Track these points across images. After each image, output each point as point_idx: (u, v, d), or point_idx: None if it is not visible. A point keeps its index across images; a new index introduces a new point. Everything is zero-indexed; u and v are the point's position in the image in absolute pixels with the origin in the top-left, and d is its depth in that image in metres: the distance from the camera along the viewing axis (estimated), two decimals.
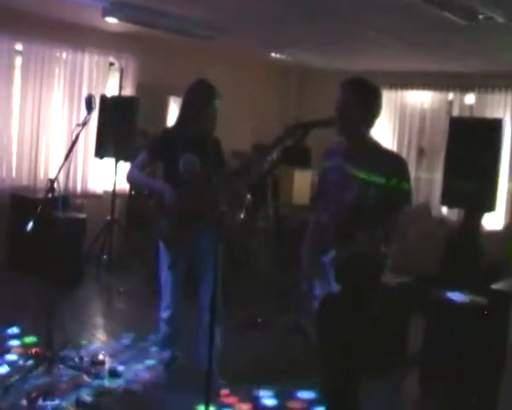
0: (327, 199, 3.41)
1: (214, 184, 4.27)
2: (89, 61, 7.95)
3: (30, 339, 5.08)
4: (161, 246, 4.46)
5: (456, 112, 8.48)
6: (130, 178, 4.61)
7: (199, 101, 4.33)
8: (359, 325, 3.31)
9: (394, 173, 3.18)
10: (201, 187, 4.26)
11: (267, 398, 4.49)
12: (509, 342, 4.23)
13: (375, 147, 3.33)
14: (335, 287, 3.19)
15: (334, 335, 3.31)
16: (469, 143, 5.23)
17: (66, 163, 4.49)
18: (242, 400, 4.42)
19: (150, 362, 4.88)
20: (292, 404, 4.48)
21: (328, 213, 3.35)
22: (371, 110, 3.30)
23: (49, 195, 4.41)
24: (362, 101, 3.25)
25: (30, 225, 4.22)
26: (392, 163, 3.25)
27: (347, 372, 3.34)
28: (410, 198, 3.27)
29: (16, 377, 4.26)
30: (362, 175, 3.17)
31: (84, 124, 4.57)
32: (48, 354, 4.44)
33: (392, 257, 3.37)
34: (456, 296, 4.82)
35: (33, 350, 4.70)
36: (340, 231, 3.19)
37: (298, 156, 8.08)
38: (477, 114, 8.19)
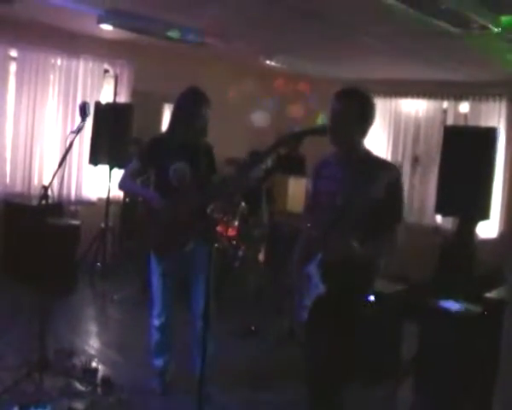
0: (319, 209, 3.41)
1: (205, 191, 4.27)
2: (83, 68, 7.93)
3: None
4: (152, 255, 4.45)
5: (450, 120, 8.49)
6: (121, 186, 4.62)
7: (189, 108, 4.32)
8: (347, 329, 3.30)
9: (387, 183, 3.17)
10: (192, 195, 4.25)
11: None
12: (502, 349, 4.23)
13: (368, 156, 3.34)
14: (321, 288, 3.19)
15: (323, 338, 3.31)
16: (464, 152, 5.24)
17: (61, 170, 4.47)
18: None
19: None
20: None
21: (320, 222, 3.35)
22: (366, 120, 3.31)
23: (43, 202, 4.39)
24: (357, 112, 3.26)
25: None
26: (385, 172, 3.24)
27: (334, 374, 3.34)
28: (401, 211, 3.27)
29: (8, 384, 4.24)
30: (352, 183, 3.17)
31: (79, 131, 4.56)
32: (40, 361, 4.41)
33: (379, 258, 3.36)
34: (450, 305, 4.82)
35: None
36: (325, 236, 3.20)
37: (292, 164, 8.10)
38: (471, 122, 8.20)
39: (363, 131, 3.32)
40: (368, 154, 3.35)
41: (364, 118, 3.29)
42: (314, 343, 3.41)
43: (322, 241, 3.23)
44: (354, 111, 3.25)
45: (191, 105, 4.33)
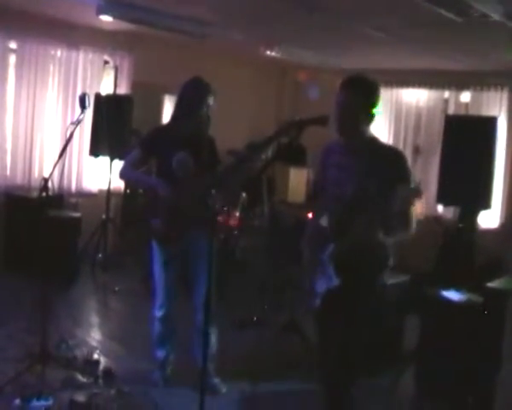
0: (326, 197, 3.41)
1: (208, 182, 4.25)
2: (83, 60, 7.90)
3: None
4: (154, 244, 4.44)
5: (451, 110, 8.46)
6: (122, 175, 4.57)
7: (193, 98, 4.30)
8: (360, 320, 3.31)
9: (394, 167, 3.17)
10: (194, 185, 4.24)
11: None
12: (504, 340, 4.23)
13: (374, 142, 3.35)
14: (335, 281, 3.19)
15: (335, 330, 3.31)
16: (465, 141, 5.22)
17: (61, 162, 4.47)
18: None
19: None
20: None
21: (328, 210, 3.35)
22: (371, 108, 3.32)
23: (44, 194, 4.37)
24: (364, 100, 3.27)
25: None
26: (391, 157, 3.24)
27: (346, 368, 3.35)
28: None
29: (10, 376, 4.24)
30: (362, 171, 3.17)
31: (78, 122, 4.54)
32: (42, 353, 4.41)
33: (392, 243, 3.35)
34: (451, 295, 4.81)
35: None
36: (339, 227, 3.19)
37: (293, 154, 8.08)
38: (472, 112, 8.18)
39: (370, 119, 3.33)
40: (374, 141, 3.36)
41: (370, 106, 3.29)
42: (327, 335, 3.43)
43: (336, 231, 3.22)
44: (359, 101, 3.25)
45: (195, 95, 4.31)
